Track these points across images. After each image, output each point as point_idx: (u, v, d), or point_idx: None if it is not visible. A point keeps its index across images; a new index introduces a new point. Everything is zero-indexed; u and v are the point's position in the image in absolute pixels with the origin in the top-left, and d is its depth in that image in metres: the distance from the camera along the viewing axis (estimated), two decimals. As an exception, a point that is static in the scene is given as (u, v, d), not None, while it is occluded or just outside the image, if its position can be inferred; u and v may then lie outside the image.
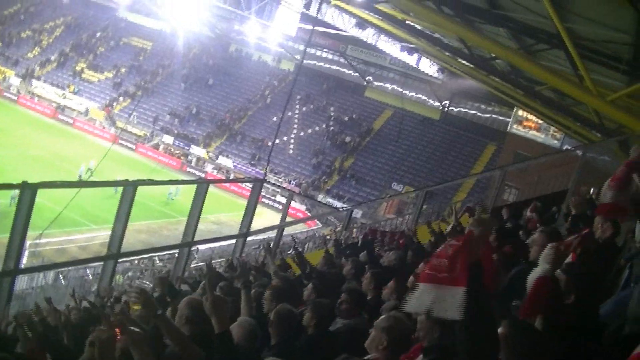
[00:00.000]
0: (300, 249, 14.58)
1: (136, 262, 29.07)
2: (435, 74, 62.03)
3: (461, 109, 70.37)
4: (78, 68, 78.55)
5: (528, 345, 3.64)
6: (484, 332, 3.20)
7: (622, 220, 6.90)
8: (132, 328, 5.04)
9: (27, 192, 10.79)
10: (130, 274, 28.03)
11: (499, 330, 3.66)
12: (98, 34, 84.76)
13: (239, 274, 8.20)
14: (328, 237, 25.03)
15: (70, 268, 25.35)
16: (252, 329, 5.83)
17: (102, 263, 14.55)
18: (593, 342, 4.38)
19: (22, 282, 23.39)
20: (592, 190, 13.00)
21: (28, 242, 26.70)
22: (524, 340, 3.64)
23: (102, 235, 30.44)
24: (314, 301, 7.51)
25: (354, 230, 25.63)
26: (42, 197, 11.63)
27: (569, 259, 6.24)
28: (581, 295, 4.91)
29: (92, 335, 4.79)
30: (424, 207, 25.26)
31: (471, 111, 69.69)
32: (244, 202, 18.96)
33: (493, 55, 21.93)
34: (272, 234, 22.87)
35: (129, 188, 12.91)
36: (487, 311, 3.25)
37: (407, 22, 25.19)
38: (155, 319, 5.30)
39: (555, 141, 55.19)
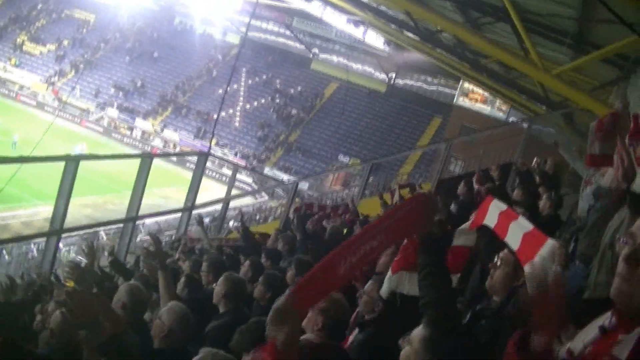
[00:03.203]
0: (246, 224, 14.49)
1: (83, 237, 28.77)
2: (382, 47, 62.05)
3: (407, 82, 70.41)
4: (19, 41, 76.86)
5: (450, 351, 3.58)
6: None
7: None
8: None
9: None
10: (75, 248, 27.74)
11: (421, 329, 3.65)
12: (39, 6, 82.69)
13: (153, 254, 7.82)
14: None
15: (13, 244, 25.02)
16: (184, 313, 5.67)
17: (45, 239, 14.36)
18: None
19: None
20: (534, 160, 13.12)
21: (-30, 219, 26.32)
22: (446, 345, 3.58)
23: (46, 210, 30.00)
24: (266, 273, 7.45)
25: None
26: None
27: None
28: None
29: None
30: (370, 179, 25.32)
31: (417, 84, 69.73)
32: (190, 175, 18.80)
33: (439, 28, 21.93)
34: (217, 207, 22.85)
35: (72, 163, 12.68)
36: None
37: (354, -6, 25.08)
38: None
39: (501, 114, 55.74)
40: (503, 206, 4.90)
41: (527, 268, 4.06)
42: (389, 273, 4.82)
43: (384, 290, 4.93)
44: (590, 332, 2.57)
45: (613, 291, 2.42)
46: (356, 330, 5.54)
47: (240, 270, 8.79)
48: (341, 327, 5.36)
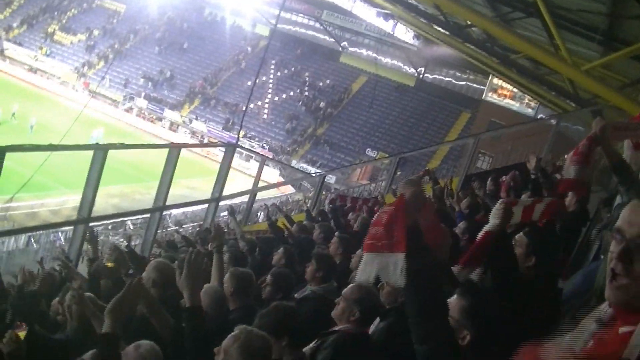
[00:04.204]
0: (274, 217, 14.55)
1: (109, 227, 28.98)
2: (411, 41, 61.94)
3: (436, 76, 70.13)
4: (50, 30, 77.38)
5: (491, 314, 3.67)
6: (430, 294, 3.19)
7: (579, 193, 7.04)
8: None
9: (-5, 155, 10.54)
10: (102, 237, 27.91)
11: (458, 300, 3.70)
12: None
13: (212, 237, 8.10)
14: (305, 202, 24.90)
15: (41, 232, 25.19)
16: (219, 296, 5.75)
17: (72, 227, 14.43)
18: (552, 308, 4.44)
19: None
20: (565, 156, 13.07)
21: (-1, 206, 26.55)
22: (487, 309, 3.67)
23: (74, 199, 30.19)
24: (277, 271, 7.43)
25: (327, 196, 25.55)
26: (12, 161, 11.36)
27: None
28: (542, 259, 4.96)
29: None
30: (398, 173, 25.26)
31: (446, 78, 69.47)
32: (217, 167, 18.80)
33: (469, 22, 21.85)
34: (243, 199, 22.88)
35: (99, 152, 12.72)
36: (431, 273, 3.23)
37: (383, -13, 25.05)
38: (127, 277, 5.26)
39: (530, 110, 55.44)
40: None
41: None
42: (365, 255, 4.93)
43: (360, 277, 5.08)
44: (588, 326, 2.56)
45: (607, 291, 2.40)
46: (377, 320, 5.56)
47: (274, 257, 8.84)
48: (374, 316, 5.42)
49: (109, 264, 7.08)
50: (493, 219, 4.59)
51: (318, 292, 7.10)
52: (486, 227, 4.60)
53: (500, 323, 3.62)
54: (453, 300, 3.68)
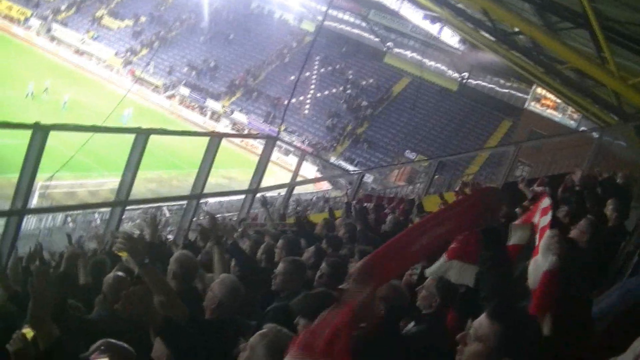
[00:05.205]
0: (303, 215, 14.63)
1: (147, 212, 29.24)
2: (456, 45, 61.60)
3: (479, 82, 69.72)
4: (98, 14, 78.18)
5: (532, 338, 3.22)
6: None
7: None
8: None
9: (39, 133, 10.71)
10: (138, 221, 28.13)
11: (491, 324, 3.16)
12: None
13: (204, 231, 8.18)
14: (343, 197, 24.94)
15: (78, 212, 25.47)
16: (234, 285, 5.78)
17: (109, 209, 14.61)
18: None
19: (30, 223, 23.54)
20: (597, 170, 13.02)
21: (39, 184, 26.85)
22: (527, 333, 3.20)
23: (112, 181, 30.45)
24: (332, 260, 7.51)
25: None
26: (55, 140, 11.52)
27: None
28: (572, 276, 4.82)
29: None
30: (436, 177, 25.19)
31: (489, 85, 69.06)
32: (256, 159, 18.89)
33: (516, 29, 21.73)
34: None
35: (141, 136, 12.83)
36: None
37: (432, -10, 24.96)
38: (141, 267, 5.25)
39: (572, 122, 54.87)
40: (547, 202, 4.96)
41: (530, 263, 4.23)
42: (444, 257, 4.94)
43: (432, 271, 5.09)
44: (637, 347, 2.54)
45: None
46: (412, 323, 5.60)
47: (304, 255, 8.90)
48: (400, 315, 5.44)
49: (121, 253, 7.07)
50: (549, 255, 4.08)
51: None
52: (545, 267, 4.05)
53: (541, 346, 3.27)
54: (484, 322, 3.18)
